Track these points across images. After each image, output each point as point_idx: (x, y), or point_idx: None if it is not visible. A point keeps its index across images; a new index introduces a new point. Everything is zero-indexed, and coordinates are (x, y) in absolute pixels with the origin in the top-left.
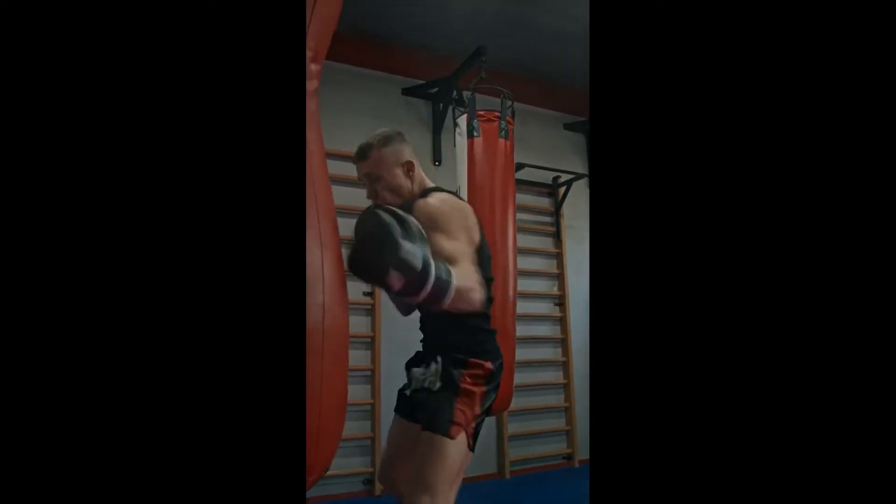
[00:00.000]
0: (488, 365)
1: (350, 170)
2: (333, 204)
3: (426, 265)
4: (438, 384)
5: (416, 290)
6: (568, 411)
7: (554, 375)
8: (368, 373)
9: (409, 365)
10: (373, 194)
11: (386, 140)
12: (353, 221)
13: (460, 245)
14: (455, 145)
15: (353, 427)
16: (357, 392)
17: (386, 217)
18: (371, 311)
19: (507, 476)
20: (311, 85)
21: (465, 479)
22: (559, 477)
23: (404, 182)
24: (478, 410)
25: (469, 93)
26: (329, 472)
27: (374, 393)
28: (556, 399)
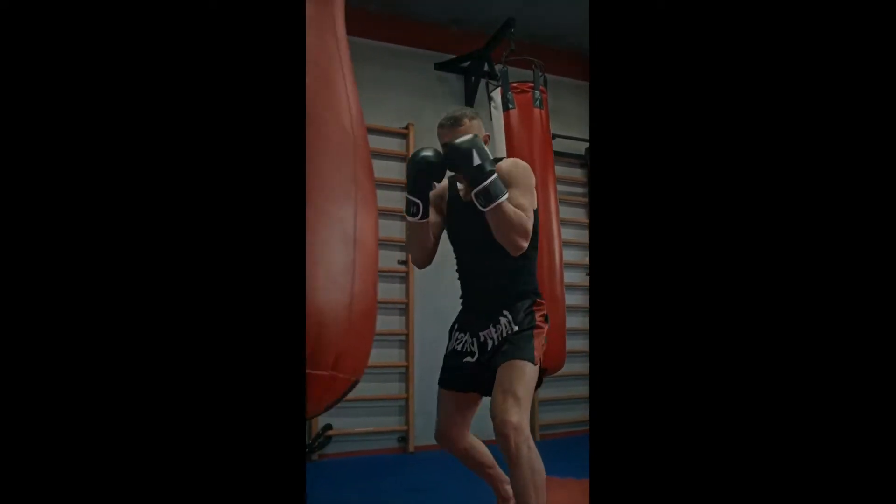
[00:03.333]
0: (543, 302)
1: (388, 144)
2: (367, 148)
3: (484, 164)
4: (516, 327)
5: (477, 181)
6: None
7: (583, 343)
8: (403, 337)
9: (471, 330)
10: None
11: (475, 115)
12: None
13: (527, 200)
14: (491, 119)
15: (388, 388)
16: (392, 355)
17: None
18: (405, 279)
19: (538, 439)
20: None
21: (495, 441)
22: (587, 442)
23: None
24: (545, 343)
25: (501, 66)
26: (365, 430)
27: (408, 356)
28: (584, 367)
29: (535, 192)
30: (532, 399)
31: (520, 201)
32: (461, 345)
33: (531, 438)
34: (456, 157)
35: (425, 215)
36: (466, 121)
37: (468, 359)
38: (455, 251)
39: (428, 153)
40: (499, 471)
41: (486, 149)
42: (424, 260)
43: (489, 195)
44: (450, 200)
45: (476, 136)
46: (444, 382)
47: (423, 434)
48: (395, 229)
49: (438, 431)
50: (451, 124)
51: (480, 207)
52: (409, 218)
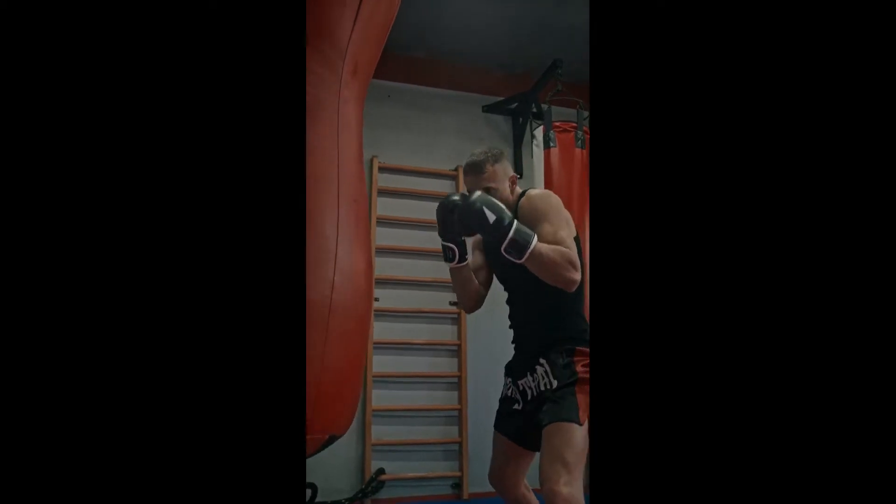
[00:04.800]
0: (587, 349)
1: (439, 186)
2: (361, 191)
3: (501, 219)
4: (555, 382)
5: (499, 237)
6: None
7: None
8: (455, 379)
9: (513, 377)
10: None
11: (497, 157)
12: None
13: (564, 232)
14: (533, 156)
15: (441, 432)
16: (444, 398)
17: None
18: (457, 321)
19: None
20: (349, 92)
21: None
22: None
23: (509, 195)
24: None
25: (545, 105)
26: (418, 475)
27: (461, 399)
28: None
29: (570, 219)
30: (584, 461)
31: (557, 235)
32: (510, 391)
33: None
34: (470, 221)
35: (462, 259)
36: (489, 167)
37: (516, 406)
38: (505, 290)
39: (456, 198)
40: None
41: (496, 201)
42: (471, 304)
43: (518, 246)
44: (485, 240)
45: (481, 193)
46: (499, 426)
47: (478, 480)
48: (446, 271)
49: (492, 473)
50: (474, 172)
51: (515, 261)
52: (448, 263)
